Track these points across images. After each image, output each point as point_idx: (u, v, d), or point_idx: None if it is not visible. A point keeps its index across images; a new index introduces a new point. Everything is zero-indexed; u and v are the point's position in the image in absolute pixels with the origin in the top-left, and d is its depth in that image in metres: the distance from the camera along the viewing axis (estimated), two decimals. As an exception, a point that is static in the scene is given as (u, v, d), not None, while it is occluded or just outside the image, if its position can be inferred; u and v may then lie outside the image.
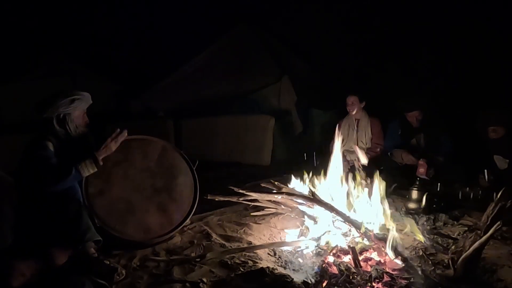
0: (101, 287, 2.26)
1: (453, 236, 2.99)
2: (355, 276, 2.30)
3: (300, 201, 3.11)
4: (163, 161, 3.17)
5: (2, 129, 5.94)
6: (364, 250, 2.63)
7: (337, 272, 2.36)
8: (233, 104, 6.60)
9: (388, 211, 2.78)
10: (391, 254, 2.45)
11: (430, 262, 2.55)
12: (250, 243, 2.94)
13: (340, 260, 2.49)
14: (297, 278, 2.31)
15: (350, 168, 4.52)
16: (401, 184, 4.03)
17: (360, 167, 3.34)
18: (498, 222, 2.19)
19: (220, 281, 2.35)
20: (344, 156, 4.82)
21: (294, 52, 7.66)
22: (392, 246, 2.45)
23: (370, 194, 2.99)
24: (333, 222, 2.89)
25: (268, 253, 2.74)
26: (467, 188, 3.91)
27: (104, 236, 2.65)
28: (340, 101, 4.98)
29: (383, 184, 2.87)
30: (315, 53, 7.61)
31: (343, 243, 2.70)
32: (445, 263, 2.50)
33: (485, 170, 3.94)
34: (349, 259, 2.50)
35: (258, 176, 4.68)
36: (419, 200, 3.52)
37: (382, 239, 2.56)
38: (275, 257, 2.69)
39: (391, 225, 2.66)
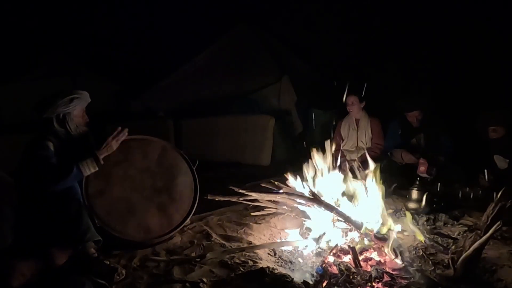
0: (101, 287, 2.26)
1: (453, 236, 2.99)
2: (355, 276, 2.30)
3: (300, 201, 3.11)
4: (163, 161, 3.17)
5: (2, 129, 5.93)
6: (364, 250, 2.64)
7: (337, 272, 2.36)
8: (233, 104, 6.59)
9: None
10: (391, 254, 2.46)
11: (430, 262, 2.55)
12: (250, 243, 2.95)
13: (340, 260, 2.49)
14: (297, 278, 2.31)
15: (350, 168, 4.52)
16: (401, 184, 4.03)
17: (360, 166, 3.34)
18: (498, 222, 2.19)
19: (220, 281, 2.35)
20: (344, 156, 4.83)
21: (294, 52, 7.66)
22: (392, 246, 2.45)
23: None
24: (333, 222, 2.89)
25: (268, 253, 2.75)
26: (467, 188, 3.91)
27: (104, 236, 2.65)
28: (340, 101, 4.98)
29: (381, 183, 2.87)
30: (315, 53, 7.62)
31: (343, 243, 2.70)
32: (445, 263, 2.50)
33: (485, 170, 3.94)
34: (349, 259, 2.50)
35: (258, 176, 4.67)
36: (419, 200, 3.52)
37: (382, 239, 2.56)
38: (275, 257, 2.69)
39: (392, 225, 2.66)
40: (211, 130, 6.12)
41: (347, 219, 2.73)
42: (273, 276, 2.30)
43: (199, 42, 7.76)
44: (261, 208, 3.51)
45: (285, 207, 3.35)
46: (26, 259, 2.23)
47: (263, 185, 3.61)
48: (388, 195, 3.02)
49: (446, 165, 4.27)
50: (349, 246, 2.58)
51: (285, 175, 3.31)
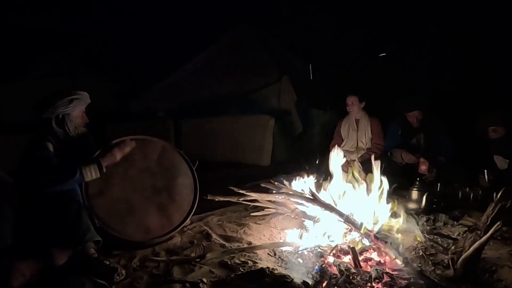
0: (101, 287, 2.26)
1: (453, 236, 2.98)
2: (355, 277, 2.30)
3: (299, 201, 3.11)
4: (163, 161, 3.17)
5: (2, 129, 5.93)
6: (364, 250, 2.63)
7: (337, 272, 2.35)
8: (233, 104, 6.60)
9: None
10: (391, 255, 2.46)
11: (430, 262, 2.55)
12: (250, 243, 2.94)
13: (340, 261, 2.49)
14: (297, 278, 2.31)
15: (350, 168, 4.52)
16: (401, 184, 4.03)
17: (360, 167, 3.34)
18: (498, 222, 2.19)
19: (220, 281, 2.35)
20: (344, 157, 4.82)
21: (294, 52, 7.66)
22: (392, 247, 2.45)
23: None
24: (333, 222, 2.89)
25: (268, 253, 2.74)
26: (467, 188, 3.91)
27: (104, 237, 2.65)
28: (340, 101, 4.98)
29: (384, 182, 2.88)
30: (315, 53, 7.62)
31: (343, 243, 2.70)
32: (445, 263, 2.50)
33: (485, 170, 3.94)
34: (349, 259, 2.49)
35: (258, 176, 4.67)
36: (419, 200, 3.52)
37: (382, 239, 2.56)
38: (275, 257, 2.69)
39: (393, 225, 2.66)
40: (211, 130, 6.12)
41: (347, 219, 2.73)
42: (273, 277, 2.30)
43: (199, 42, 7.77)
44: (261, 209, 3.51)
45: (285, 207, 3.35)
46: (26, 259, 2.23)
47: (263, 185, 3.61)
48: (388, 195, 3.01)
49: (447, 165, 4.27)
50: (349, 246, 2.58)
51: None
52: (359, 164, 3.35)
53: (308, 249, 2.72)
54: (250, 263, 2.54)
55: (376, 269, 2.33)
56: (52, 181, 2.51)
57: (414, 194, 3.58)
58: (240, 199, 3.33)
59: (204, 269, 2.48)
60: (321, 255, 2.62)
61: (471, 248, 2.24)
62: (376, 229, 2.73)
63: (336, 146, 3.41)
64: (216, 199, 3.32)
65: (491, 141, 4.03)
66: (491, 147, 4.07)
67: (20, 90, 6.89)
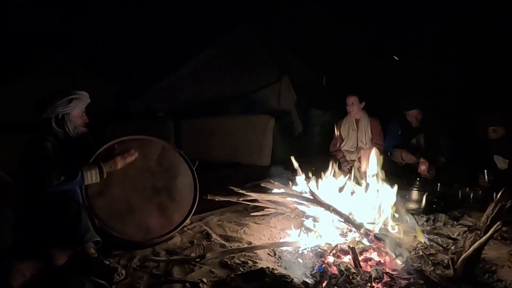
0: (101, 287, 2.25)
1: (453, 236, 2.99)
2: (355, 277, 2.30)
3: (299, 201, 3.11)
4: (163, 161, 3.17)
5: (2, 129, 5.93)
6: (364, 250, 2.63)
7: (337, 272, 2.36)
8: (233, 104, 6.59)
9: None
10: (391, 255, 2.46)
11: (430, 262, 2.55)
12: (250, 243, 2.94)
13: (340, 261, 2.49)
14: (297, 278, 2.31)
15: (350, 168, 4.52)
16: (401, 184, 4.03)
17: (360, 167, 3.34)
18: (498, 222, 2.19)
19: (220, 281, 2.35)
20: (344, 156, 4.83)
21: (294, 52, 7.66)
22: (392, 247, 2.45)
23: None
24: (333, 222, 2.89)
25: (268, 253, 2.74)
26: (467, 188, 3.91)
27: (104, 237, 2.65)
28: (340, 101, 4.98)
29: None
30: (315, 53, 7.62)
31: (343, 243, 2.71)
32: (445, 263, 2.50)
33: (485, 170, 3.94)
34: (349, 259, 2.50)
35: (258, 176, 4.68)
36: (419, 200, 3.52)
37: (382, 239, 2.57)
38: (275, 257, 2.69)
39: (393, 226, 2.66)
40: (211, 130, 6.12)
41: (347, 219, 2.73)
42: (273, 277, 2.30)
43: (199, 42, 7.76)
44: (261, 208, 3.51)
45: (283, 206, 3.35)
46: (26, 259, 2.23)
47: (263, 185, 3.61)
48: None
49: (446, 166, 4.28)
50: (349, 247, 2.58)
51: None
52: (359, 164, 3.35)
53: (308, 249, 2.72)
54: (250, 263, 2.54)
55: (376, 269, 2.33)
56: (52, 181, 2.51)
57: (414, 194, 3.59)
58: (240, 199, 3.33)
59: (204, 269, 2.49)
60: (321, 255, 2.62)
61: (471, 248, 2.24)
62: (376, 229, 2.73)
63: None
64: (216, 199, 3.32)
65: (491, 141, 4.03)
66: (491, 147, 4.07)
67: (20, 90, 6.87)
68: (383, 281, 2.26)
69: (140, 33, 9.15)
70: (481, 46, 6.07)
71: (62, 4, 8.82)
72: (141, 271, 2.51)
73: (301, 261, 2.61)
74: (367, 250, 2.64)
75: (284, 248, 2.80)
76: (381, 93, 5.80)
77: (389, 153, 4.60)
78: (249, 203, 3.46)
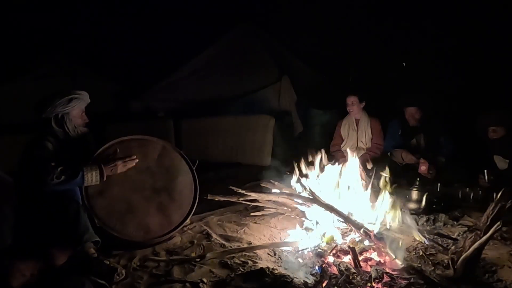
0: (101, 287, 2.26)
1: (453, 236, 2.98)
2: (355, 277, 2.30)
3: (299, 201, 3.11)
4: (163, 161, 3.17)
5: (2, 129, 5.93)
6: (364, 250, 2.63)
7: (337, 272, 2.36)
8: (233, 104, 6.59)
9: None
10: (391, 255, 2.46)
11: (430, 262, 2.55)
12: (250, 243, 2.94)
13: (340, 260, 2.49)
14: (297, 278, 2.31)
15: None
16: (401, 184, 4.03)
17: (360, 167, 3.34)
18: (498, 223, 2.19)
19: (220, 281, 2.35)
20: (344, 156, 4.82)
21: (294, 52, 7.65)
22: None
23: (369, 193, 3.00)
24: (333, 222, 2.89)
25: (268, 253, 2.74)
26: (467, 188, 3.91)
27: (104, 237, 2.65)
28: (340, 101, 4.98)
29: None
30: (315, 53, 7.62)
31: (343, 243, 2.71)
32: (445, 263, 2.50)
33: (485, 170, 3.94)
34: (349, 259, 2.50)
35: (258, 176, 4.68)
36: (419, 200, 3.52)
37: (382, 239, 2.57)
38: (275, 257, 2.69)
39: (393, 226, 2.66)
40: (211, 130, 6.11)
41: (346, 219, 2.73)
42: (273, 276, 2.30)
43: (199, 42, 7.76)
44: (261, 208, 3.51)
45: (283, 206, 3.35)
46: (26, 259, 2.23)
47: (263, 185, 3.62)
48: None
49: (447, 166, 4.27)
50: (349, 247, 2.58)
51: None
52: (359, 163, 3.35)
53: (308, 249, 2.72)
54: (250, 263, 2.54)
55: (376, 269, 2.33)
56: (52, 180, 2.51)
57: (414, 194, 3.58)
58: (240, 199, 3.34)
59: (204, 269, 2.49)
60: (321, 255, 2.62)
61: (471, 248, 2.24)
62: (376, 229, 2.73)
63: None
64: (216, 199, 3.32)
65: (491, 141, 4.03)
66: (491, 147, 4.07)
67: (20, 90, 6.87)
68: (383, 281, 2.27)
69: (140, 33, 9.14)
70: (481, 46, 6.07)
71: (62, 4, 8.81)
72: (141, 271, 2.51)
73: (301, 261, 2.61)
74: (367, 250, 2.64)
75: (284, 248, 2.80)
76: (381, 93, 5.80)
77: (389, 153, 4.60)
78: (249, 203, 3.47)
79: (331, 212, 2.79)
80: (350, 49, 7.25)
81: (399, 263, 2.44)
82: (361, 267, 2.39)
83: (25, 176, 2.60)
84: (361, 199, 3.02)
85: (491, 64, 5.85)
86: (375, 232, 2.66)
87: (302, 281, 2.27)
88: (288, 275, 2.31)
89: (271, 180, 3.61)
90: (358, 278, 2.28)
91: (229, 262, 2.55)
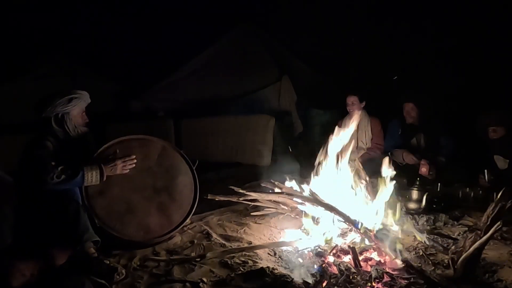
0: (101, 286, 2.25)
1: (453, 236, 2.99)
2: (355, 276, 2.30)
3: (299, 200, 3.11)
4: (163, 161, 3.17)
5: (2, 129, 5.93)
6: (364, 250, 2.64)
7: (337, 272, 2.36)
8: (233, 104, 6.59)
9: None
10: (391, 255, 2.46)
11: (430, 262, 2.55)
12: (250, 243, 2.95)
13: (340, 260, 2.49)
14: (297, 278, 2.31)
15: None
16: (401, 184, 4.03)
17: (360, 167, 3.34)
18: (498, 222, 2.19)
19: (220, 281, 2.35)
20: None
21: (294, 52, 7.65)
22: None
23: (369, 192, 3.00)
24: (333, 221, 2.89)
25: (268, 253, 2.74)
26: (467, 188, 3.91)
27: (104, 236, 2.65)
28: (340, 100, 4.98)
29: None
30: (315, 53, 7.62)
31: (343, 243, 2.71)
32: (445, 263, 2.50)
33: (485, 170, 3.94)
34: (349, 259, 2.50)
35: (258, 176, 4.68)
36: (419, 200, 3.52)
37: (382, 239, 2.57)
38: (275, 257, 2.69)
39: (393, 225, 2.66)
40: (211, 130, 6.12)
41: (346, 219, 2.73)
42: (273, 276, 2.30)
43: (199, 42, 7.75)
44: (261, 208, 3.51)
45: (285, 207, 3.35)
46: (26, 259, 2.23)
47: (263, 185, 3.62)
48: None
49: (447, 166, 4.27)
50: (349, 246, 2.58)
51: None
52: (359, 163, 3.35)
53: (308, 249, 2.72)
54: (250, 262, 2.54)
55: (376, 269, 2.33)
56: (52, 179, 2.51)
57: (414, 194, 3.59)
58: (240, 199, 3.33)
59: (204, 269, 2.49)
60: (321, 255, 2.62)
61: (471, 248, 2.24)
62: (376, 229, 2.73)
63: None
64: (216, 199, 3.32)
65: (491, 141, 4.03)
66: (491, 147, 4.07)
67: (20, 90, 6.87)
68: (383, 280, 2.27)
69: (140, 33, 9.14)
70: (481, 46, 6.07)
71: (62, 4, 8.81)
72: (141, 271, 2.51)
73: (301, 260, 2.61)
74: (367, 250, 2.64)
75: (284, 248, 2.80)
76: (381, 93, 5.80)
77: (389, 153, 4.60)
78: (249, 202, 3.46)
79: (331, 212, 2.79)
80: (350, 49, 7.24)
81: (399, 262, 2.44)
82: (361, 266, 2.39)
83: (25, 175, 2.60)
84: (361, 198, 3.02)
85: (491, 64, 5.85)
86: (375, 231, 2.66)
87: (302, 281, 2.27)
88: (288, 275, 2.31)
89: (271, 180, 3.61)
90: (358, 278, 2.28)
91: (229, 262, 2.55)
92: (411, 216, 3.35)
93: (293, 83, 6.49)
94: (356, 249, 2.53)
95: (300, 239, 2.93)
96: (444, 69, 6.29)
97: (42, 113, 2.73)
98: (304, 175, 3.81)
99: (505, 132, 3.95)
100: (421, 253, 2.67)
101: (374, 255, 2.59)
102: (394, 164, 4.45)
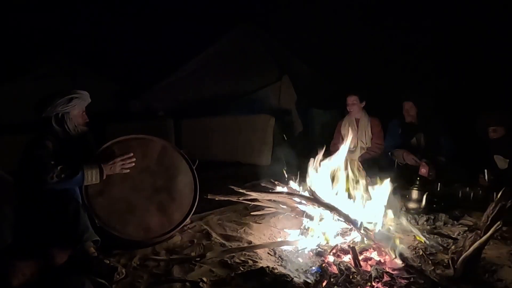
0: (101, 286, 2.26)
1: (453, 236, 2.99)
2: (355, 276, 2.30)
3: (300, 200, 3.11)
4: (163, 161, 3.17)
5: (2, 129, 5.93)
6: (364, 249, 2.64)
7: (337, 271, 2.36)
8: (233, 104, 6.60)
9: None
10: (391, 254, 2.46)
11: (430, 262, 2.55)
12: (250, 242, 2.95)
13: (340, 260, 2.49)
14: (297, 277, 2.31)
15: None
16: (401, 184, 4.03)
17: (360, 166, 3.34)
18: (498, 222, 2.19)
19: (220, 280, 2.35)
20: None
21: (294, 51, 7.66)
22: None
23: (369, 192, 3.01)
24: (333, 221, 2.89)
25: (268, 253, 2.74)
26: (467, 188, 3.91)
27: (104, 236, 2.65)
28: (340, 100, 4.98)
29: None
30: (315, 52, 7.62)
31: (343, 243, 2.71)
32: (445, 263, 2.50)
33: (485, 170, 3.94)
34: (349, 258, 2.50)
35: (258, 176, 4.68)
36: (419, 200, 3.52)
37: (382, 239, 2.57)
38: (275, 257, 2.69)
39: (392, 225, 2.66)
40: (211, 130, 6.12)
41: (346, 219, 2.73)
42: (273, 276, 2.30)
43: (199, 42, 7.76)
44: (261, 208, 3.51)
45: (285, 206, 3.35)
46: (26, 259, 2.23)
47: (263, 184, 3.62)
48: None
49: (447, 165, 4.27)
50: (349, 246, 2.58)
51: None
52: (359, 163, 3.35)
53: (308, 249, 2.72)
54: (250, 262, 2.54)
55: (376, 269, 2.34)
56: (52, 179, 2.51)
57: (414, 193, 3.58)
58: (240, 198, 3.34)
59: (204, 268, 2.49)
60: (321, 255, 2.63)
61: (471, 248, 2.24)
62: (376, 228, 2.73)
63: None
64: (216, 198, 3.33)
65: (491, 141, 4.03)
66: (491, 147, 4.07)
67: (20, 90, 6.87)
68: (383, 280, 2.27)
69: (140, 33, 9.14)
70: (481, 46, 6.07)
71: (62, 4, 8.81)
72: (141, 270, 2.51)
73: (301, 260, 2.61)
74: (367, 250, 2.64)
75: (284, 248, 2.80)
76: (381, 93, 5.80)
77: (389, 153, 4.60)
78: (249, 202, 3.47)
79: (331, 212, 2.79)
80: (350, 49, 7.24)
81: (399, 262, 2.44)
82: (361, 266, 2.39)
83: (25, 175, 2.60)
84: (361, 198, 3.02)
85: (491, 64, 5.85)
86: (375, 231, 2.66)
87: (302, 281, 2.27)
88: (288, 275, 2.31)
89: (271, 180, 3.61)
90: (358, 278, 2.29)
91: (229, 262, 2.56)
92: (411, 216, 3.34)
93: (293, 83, 6.50)
94: (356, 249, 2.53)
95: (300, 238, 2.93)
96: (444, 69, 6.29)
97: (42, 113, 2.73)
98: (303, 174, 3.80)
99: (505, 132, 3.95)
100: (421, 253, 2.66)
101: (374, 255, 2.59)
102: (394, 164, 4.48)
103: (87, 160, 2.78)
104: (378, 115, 4.91)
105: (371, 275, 2.28)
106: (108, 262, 2.50)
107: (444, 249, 2.72)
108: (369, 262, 2.50)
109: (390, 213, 2.92)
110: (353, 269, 2.35)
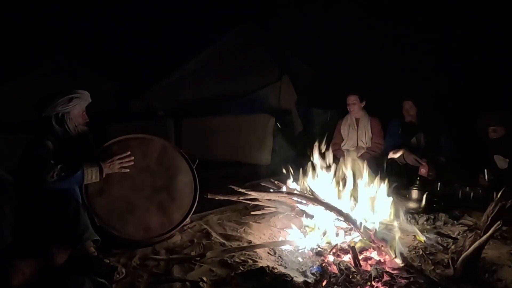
0: (101, 286, 2.25)
1: (453, 236, 2.99)
2: (355, 275, 2.30)
3: (300, 200, 3.11)
4: (163, 160, 3.17)
5: (2, 129, 5.93)
6: (364, 249, 2.64)
7: (337, 271, 2.36)
8: (233, 103, 6.60)
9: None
10: (391, 254, 2.46)
11: (430, 262, 2.55)
12: (250, 242, 2.94)
13: (340, 259, 2.49)
14: (297, 277, 2.31)
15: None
16: (401, 183, 4.03)
17: (361, 165, 3.34)
18: (498, 222, 2.19)
19: (220, 280, 2.35)
20: (344, 156, 4.82)
21: (294, 51, 7.66)
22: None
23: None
24: (333, 221, 2.89)
25: (268, 252, 2.74)
26: (467, 188, 3.91)
27: (104, 236, 2.65)
28: (340, 100, 4.98)
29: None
30: (315, 52, 7.63)
31: (343, 242, 2.71)
32: (445, 263, 2.50)
33: (485, 170, 3.94)
34: (349, 258, 2.50)
35: (258, 176, 4.68)
36: (419, 200, 3.52)
37: (382, 238, 2.57)
38: (275, 256, 2.69)
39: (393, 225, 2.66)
40: (211, 130, 6.13)
41: (346, 218, 2.73)
42: (273, 275, 2.30)
43: (199, 42, 7.76)
44: (261, 207, 3.51)
45: (285, 206, 3.35)
46: (26, 258, 2.23)
47: (263, 184, 3.62)
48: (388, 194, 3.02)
49: (447, 165, 4.27)
50: (349, 245, 2.58)
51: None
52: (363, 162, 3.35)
53: (308, 248, 2.72)
54: (250, 262, 2.54)
55: (376, 268, 2.33)
56: (52, 177, 2.51)
57: (414, 193, 3.59)
58: (240, 198, 3.34)
59: (204, 268, 2.49)
60: (321, 254, 2.62)
61: (471, 248, 2.24)
62: (376, 228, 2.73)
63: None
64: (216, 198, 3.32)
65: (491, 141, 4.03)
66: (491, 147, 4.07)
67: (20, 89, 6.88)
68: (383, 280, 2.27)
69: (140, 33, 9.15)
70: (480, 46, 6.07)
71: (62, 4, 8.82)
72: (141, 270, 2.51)
73: (301, 260, 2.61)
74: (367, 249, 2.64)
75: (284, 247, 2.80)
76: (381, 93, 5.80)
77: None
78: (249, 202, 3.47)
79: (331, 211, 2.79)
80: (350, 49, 7.24)
81: (398, 262, 2.44)
82: (361, 266, 2.39)
83: (25, 175, 2.60)
84: (361, 198, 3.02)
85: (491, 64, 5.85)
86: (375, 231, 2.66)
87: (302, 280, 2.27)
88: (288, 274, 2.31)
89: (271, 179, 3.61)
90: (358, 277, 2.28)
91: (229, 261, 2.55)
92: (411, 216, 3.34)
93: (293, 83, 6.50)
94: (356, 248, 2.53)
95: (300, 238, 2.93)
96: (444, 69, 6.30)
97: (42, 112, 2.73)
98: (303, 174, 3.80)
99: (505, 132, 3.95)
100: (420, 253, 2.66)
101: (374, 254, 2.59)
102: (395, 163, 4.47)
103: (87, 160, 2.78)
104: (378, 115, 4.91)
105: (371, 274, 2.28)
106: (108, 261, 2.49)
107: (444, 248, 2.72)
108: (369, 262, 2.50)
109: (390, 212, 2.92)
110: (353, 269, 2.35)
